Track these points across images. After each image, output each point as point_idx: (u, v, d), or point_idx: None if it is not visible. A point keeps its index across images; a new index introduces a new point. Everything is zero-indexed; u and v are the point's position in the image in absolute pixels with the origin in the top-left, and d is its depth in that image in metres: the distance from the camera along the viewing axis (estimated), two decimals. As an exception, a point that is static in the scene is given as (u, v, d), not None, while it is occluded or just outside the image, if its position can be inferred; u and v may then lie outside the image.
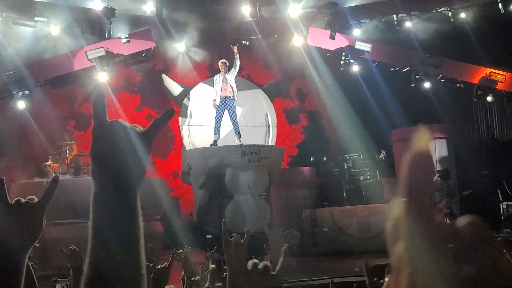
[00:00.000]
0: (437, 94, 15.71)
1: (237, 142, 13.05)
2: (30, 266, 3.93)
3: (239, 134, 13.22)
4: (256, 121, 14.77)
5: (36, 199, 1.38)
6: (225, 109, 13.18)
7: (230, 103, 13.17)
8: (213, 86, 13.33)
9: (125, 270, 1.09)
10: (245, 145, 12.70)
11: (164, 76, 14.63)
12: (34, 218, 1.35)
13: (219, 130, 13.24)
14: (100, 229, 1.11)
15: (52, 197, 1.39)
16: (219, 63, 13.23)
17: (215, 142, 13.21)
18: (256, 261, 1.85)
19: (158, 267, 3.27)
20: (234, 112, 13.23)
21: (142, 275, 1.11)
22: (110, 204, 1.13)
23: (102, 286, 1.07)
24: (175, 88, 14.63)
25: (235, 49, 13.15)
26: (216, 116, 13.18)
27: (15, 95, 13.39)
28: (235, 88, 13.16)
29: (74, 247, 3.77)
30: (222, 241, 2.06)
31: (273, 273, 1.81)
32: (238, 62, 13.16)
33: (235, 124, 13.24)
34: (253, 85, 15.27)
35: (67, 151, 13.91)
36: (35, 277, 3.81)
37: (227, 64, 13.12)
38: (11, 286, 1.29)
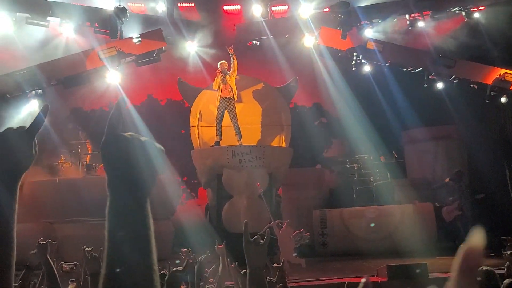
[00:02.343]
0: (449, 95, 15.59)
1: (238, 143, 13.12)
2: (52, 263, 3.98)
3: (239, 135, 13.27)
4: (270, 120, 14.78)
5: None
6: (225, 110, 13.24)
7: (230, 103, 13.23)
8: (215, 89, 13.43)
9: (139, 272, 1.12)
10: (236, 146, 12.78)
11: (180, 80, 14.73)
12: (23, 145, 1.36)
13: (220, 131, 13.34)
14: (115, 236, 1.14)
15: (41, 124, 1.41)
16: (218, 64, 13.30)
17: (217, 143, 13.31)
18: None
19: (173, 269, 3.29)
20: (234, 112, 13.29)
21: (154, 275, 1.13)
22: (125, 212, 1.17)
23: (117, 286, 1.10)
24: (191, 91, 14.73)
25: (231, 50, 13.21)
26: (217, 117, 13.27)
27: (28, 94, 13.51)
28: (234, 89, 13.23)
29: (92, 252, 3.78)
30: (243, 240, 2.18)
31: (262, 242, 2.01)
32: (235, 63, 13.23)
33: (235, 125, 13.29)
34: (268, 84, 15.30)
35: (79, 150, 14.01)
36: (57, 275, 3.85)
37: (226, 65, 13.19)
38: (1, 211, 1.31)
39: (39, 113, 1.43)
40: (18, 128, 1.38)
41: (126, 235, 1.14)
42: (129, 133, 1.24)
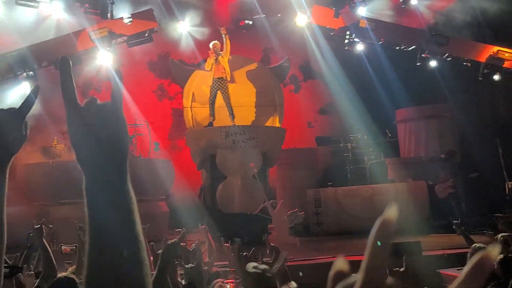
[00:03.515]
0: (442, 73, 15.59)
1: (231, 124, 13.11)
2: (48, 246, 3.97)
3: (232, 115, 13.25)
4: (263, 100, 14.75)
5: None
6: (218, 90, 13.20)
7: (223, 84, 13.20)
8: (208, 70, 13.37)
9: (123, 243, 1.08)
10: (229, 127, 12.78)
11: (172, 60, 14.64)
12: (13, 126, 1.33)
13: (213, 111, 13.33)
14: (95, 213, 1.10)
15: (32, 105, 1.38)
16: (210, 45, 13.23)
17: (210, 124, 13.29)
18: (255, 264, 1.80)
19: (169, 242, 3.30)
20: (227, 93, 13.26)
21: (140, 245, 1.10)
22: (103, 184, 1.11)
23: (102, 263, 1.06)
24: (183, 72, 14.67)
25: (223, 31, 13.14)
26: (210, 98, 13.25)
27: (19, 76, 13.39)
28: (227, 69, 13.18)
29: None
30: (239, 268, 1.86)
31: (269, 274, 1.78)
32: (228, 43, 13.16)
33: (228, 105, 13.26)
34: (261, 64, 15.23)
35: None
36: (52, 257, 3.85)
37: (219, 45, 13.13)
38: None
39: (29, 94, 1.40)
40: (8, 109, 1.35)
41: (106, 206, 1.09)
42: (92, 97, 1.16)
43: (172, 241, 3.32)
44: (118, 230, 1.09)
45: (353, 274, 0.68)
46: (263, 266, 1.75)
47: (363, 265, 0.63)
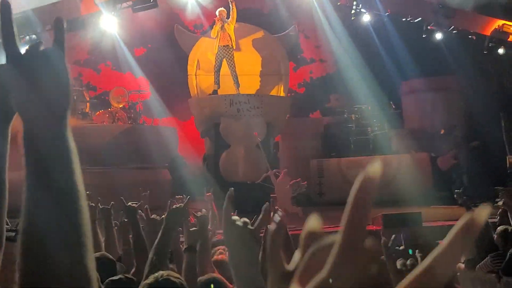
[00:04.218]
0: (448, 45, 15.47)
1: (236, 92, 13.06)
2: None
3: (237, 84, 13.18)
4: (269, 69, 14.67)
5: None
6: (224, 58, 13.11)
7: (228, 52, 13.10)
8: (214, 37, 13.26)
9: (60, 195, 1.00)
10: (234, 95, 12.72)
11: (177, 26, 14.53)
12: (56, 67, 1.10)
13: (218, 80, 13.26)
14: (32, 162, 1.02)
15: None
16: (217, 12, 13.10)
17: (214, 92, 13.24)
18: (236, 217, 1.76)
19: (174, 206, 3.28)
20: (232, 61, 13.16)
21: (78, 205, 1.01)
22: (40, 135, 1.04)
23: (36, 213, 0.98)
24: (189, 39, 14.56)
25: None
26: (215, 66, 13.17)
27: (22, 39, 13.31)
28: (233, 37, 13.07)
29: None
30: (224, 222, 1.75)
31: (251, 227, 1.76)
32: (234, 11, 13.03)
33: (233, 73, 13.19)
34: (268, 33, 15.09)
35: (75, 97, 13.92)
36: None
37: (225, 12, 13.01)
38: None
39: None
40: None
41: (44, 154, 1.02)
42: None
43: (178, 205, 3.31)
44: (56, 179, 1.02)
45: (329, 235, 0.65)
46: (244, 219, 1.73)
47: (342, 225, 0.61)
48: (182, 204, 3.34)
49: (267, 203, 2.16)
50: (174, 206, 3.26)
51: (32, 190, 1.00)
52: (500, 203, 6.07)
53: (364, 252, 0.56)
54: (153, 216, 3.67)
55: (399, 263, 2.31)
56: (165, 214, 3.19)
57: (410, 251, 2.46)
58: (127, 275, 3.28)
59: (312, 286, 0.57)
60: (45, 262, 0.97)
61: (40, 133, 1.04)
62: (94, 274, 1.01)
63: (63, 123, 1.06)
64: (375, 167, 0.60)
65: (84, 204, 1.03)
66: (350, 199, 0.59)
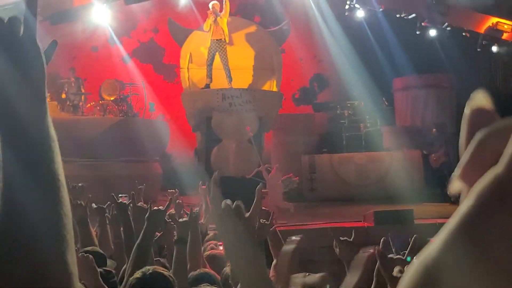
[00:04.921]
0: (441, 43, 15.49)
1: (229, 86, 13.00)
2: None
3: (230, 78, 13.13)
4: (261, 63, 14.61)
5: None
6: (216, 52, 13.05)
7: (221, 45, 13.04)
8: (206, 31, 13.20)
9: (38, 185, 0.95)
10: (226, 89, 12.67)
11: (170, 20, 14.44)
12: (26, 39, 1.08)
13: (211, 73, 13.20)
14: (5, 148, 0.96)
15: (48, 61, 1.13)
16: (210, 5, 13.03)
17: (207, 85, 13.19)
18: (228, 202, 1.70)
19: (155, 208, 3.26)
20: (225, 55, 13.10)
21: (59, 195, 0.96)
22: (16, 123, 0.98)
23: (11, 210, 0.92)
24: (181, 32, 14.48)
25: None
26: (208, 59, 13.11)
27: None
28: (226, 31, 13.01)
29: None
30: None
31: (246, 215, 1.71)
32: (227, 4, 12.98)
33: (226, 67, 13.13)
34: (261, 27, 15.04)
35: (67, 89, 13.82)
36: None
37: (218, 6, 12.94)
38: None
39: (46, 50, 1.26)
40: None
41: (20, 140, 0.96)
42: None
43: (158, 207, 3.29)
44: (34, 168, 0.97)
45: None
46: (237, 202, 1.68)
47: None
48: (162, 207, 3.32)
49: (261, 184, 2.14)
50: (154, 208, 3.25)
51: (8, 178, 0.94)
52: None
53: None
54: (140, 204, 3.66)
55: (396, 270, 2.28)
56: (146, 215, 3.17)
57: (409, 259, 2.43)
58: (105, 268, 3.28)
59: (489, 180, 0.43)
60: (22, 256, 0.91)
61: (17, 116, 0.98)
62: (75, 270, 0.95)
63: (42, 106, 1.02)
64: (479, 98, 0.50)
65: (65, 195, 0.98)
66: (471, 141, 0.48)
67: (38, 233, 0.92)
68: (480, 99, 0.52)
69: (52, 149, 1.00)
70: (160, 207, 3.29)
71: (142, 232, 3.08)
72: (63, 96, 13.79)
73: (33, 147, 0.98)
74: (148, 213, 3.16)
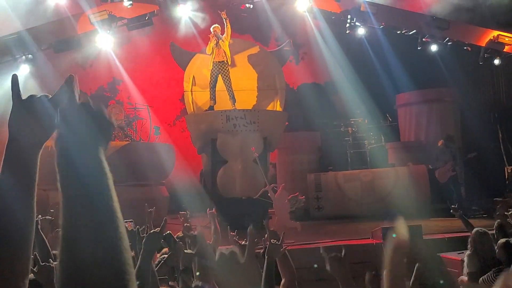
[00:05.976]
0: (443, 57, 15.53)
1: (232, 108, 13.05)
2: (44, 236, 3.94)
3: (233, 99, 13.18)
4: (265, 84, 14.67)
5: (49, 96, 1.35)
6: (219, 74, 13.13)
7: (224, 67, 13.11)
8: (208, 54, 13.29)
9: (100, 220, 1.03)
10: (230, 110, 12.70)
11: (173, 44, 14.56)
12: (46, 113, 1.30)
13: (214, 95, 13.26)
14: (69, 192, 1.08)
15: (68, 94, 1.27)
16: (211, 29, 13.14)
17: (211, 108, 13.24)
18: (223, 251, 1.71)
19: (151, 231, 3.26)
20: (228, 76, 13.17)
21: (118, 227, 1.04)
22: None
23: (78, 242, 1.01)
24: (184, 55, 14.59)
25: (224, 15, 13.04)
26: (210, 82, 13.18)
27: (18, 59, 13.33)
28: (228, 53, 13.10)
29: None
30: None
31: (242, 261, 1.71)
32: (229, 27, 13.08)
33: (229, 89, 13.19)
34: (262, 48, 15.14)
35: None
36: (49, 247, 3.82)
37: (219, 29, 13.04)
38: (23, 180, 1.33)
39: (63, 85, 1.34)
40: (41, 96, 1.32)
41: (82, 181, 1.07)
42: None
43: (154, 230, 3.29)
44: (96, 207, 1.05)
45: None
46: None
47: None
48: (158, 229, 3.32)
49: (251, 226, 2.13)
50: (151, 231, 3.26)
51: (71, 219, 1.04)
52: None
53: None
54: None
55: None
56: (143, 240, 3.18)
57: (441, 282, 2.44)
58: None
59: None
60: None
61: (78, 158, 1.11)
62: None
63: (99, 151, 1.15)
64: (401, 230, 0.57)
65: (123, 230, 1.05)
66: (387, 263, 0.56)
67: (105, 271, 0.97)
68: (402, 230, 0.60)
69: (109, 187, 1.09)
70: (157, 229, 3.30)
71: (140, 256, 3.08)
72: None
73: (93, 185, 1.07)
74: (145, 237, 3.17)
